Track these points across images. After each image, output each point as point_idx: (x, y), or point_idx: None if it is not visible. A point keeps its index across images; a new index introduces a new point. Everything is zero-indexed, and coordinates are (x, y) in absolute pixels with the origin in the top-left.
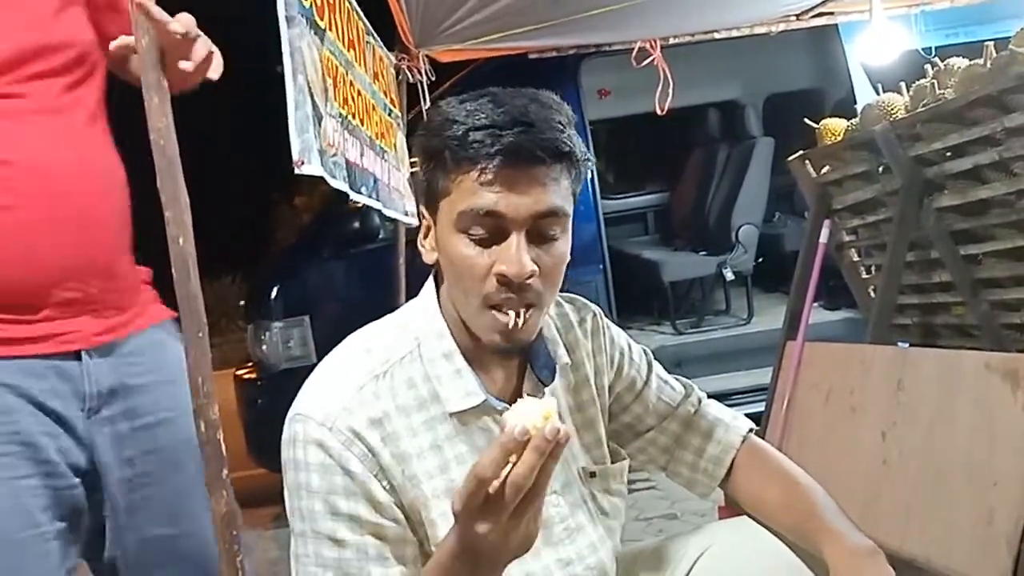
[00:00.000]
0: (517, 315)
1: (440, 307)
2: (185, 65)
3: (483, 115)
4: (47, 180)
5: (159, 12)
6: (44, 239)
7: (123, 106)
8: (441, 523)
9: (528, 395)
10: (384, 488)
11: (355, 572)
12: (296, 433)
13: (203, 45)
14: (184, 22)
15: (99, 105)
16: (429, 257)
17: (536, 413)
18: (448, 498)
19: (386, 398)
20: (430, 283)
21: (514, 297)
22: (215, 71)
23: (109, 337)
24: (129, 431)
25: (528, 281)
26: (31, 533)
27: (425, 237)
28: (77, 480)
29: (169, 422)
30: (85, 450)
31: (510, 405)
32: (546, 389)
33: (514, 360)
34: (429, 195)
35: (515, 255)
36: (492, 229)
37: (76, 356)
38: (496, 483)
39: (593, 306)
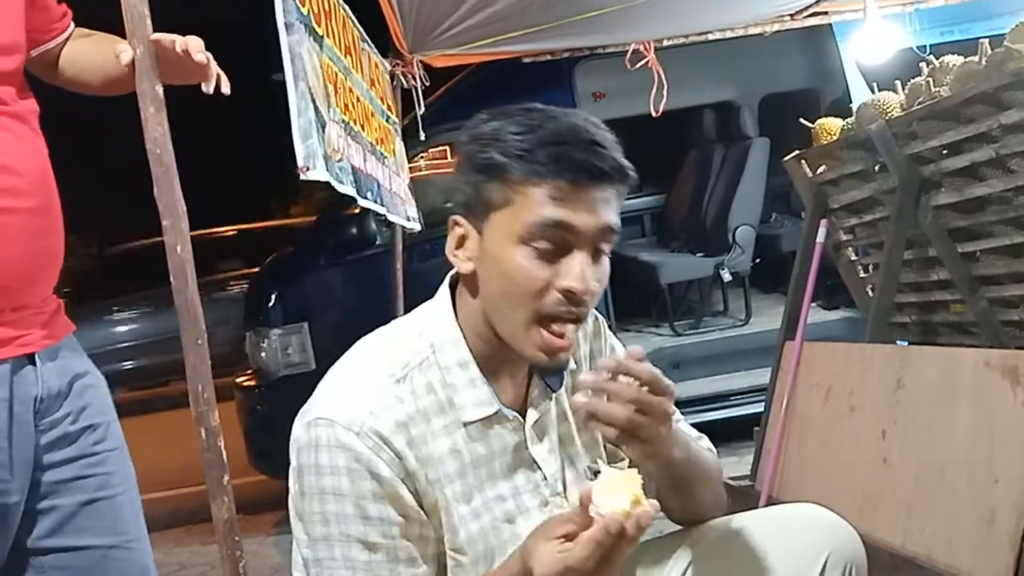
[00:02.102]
0: (563, 335)
1: (456, 315)
2: (206, 88)
3: (549, 130)
4: (22, 187)
5: (168, 40)
6: (21, 245)
7: (119, 113)
8: (461, 527)
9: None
10: (410, 491)
11: (385, 574)
12: (319, 437)
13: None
14: (193, 44)
15: (37, 112)
16: (465, 267)
17: (624, 498)
18: (466, 502)
19: (408, 402)
20: (445, 290)
21: (573, 311)
22: (225, 86)
23: (53, 341)
24: (76, 431)
25: (586, 297)
26: None
27: (459, 247)
28: (21, 497)
29: (110, 424)
30: (35, 454)
31: (519, 414)
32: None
33: (524, 369)
34: (475, 204)
35: (582, 271)
36: (558, 243)
37: (30, 360)
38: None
39: (594, 311)
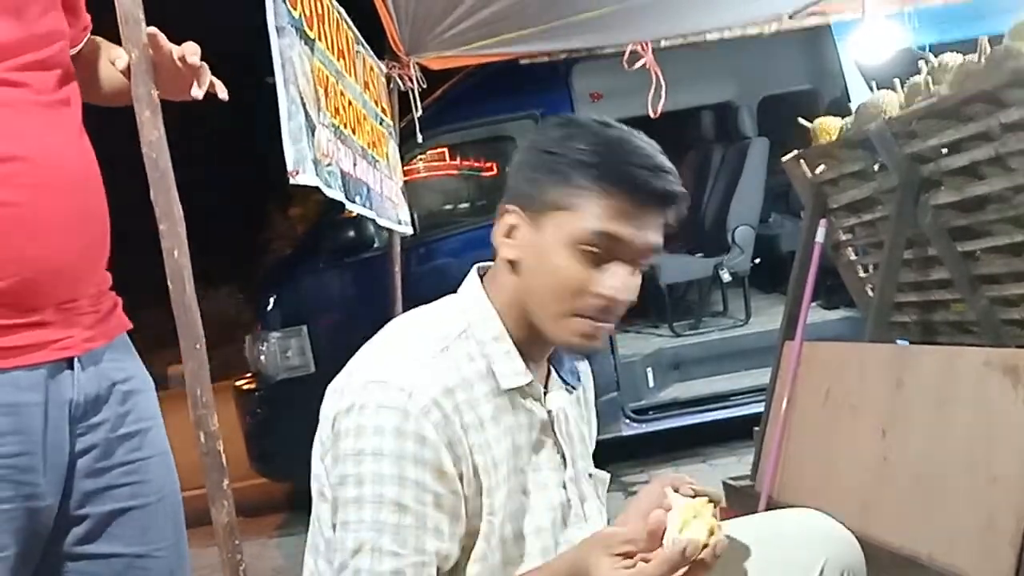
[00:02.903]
0: (604, 324)
1: (488, 297)
2: (196, 92)
3: (627, 148)
4: (57, 178)
5: (165, 41)
6: (56, 239)
7: (116, 117)
8: (496, 492)
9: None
10: (451, 459)
11: (412, 540)
12: (369, 398)
13: (204, 72)
14: (189, 49)
15: (80, 102)
16: (510, 252)
17: (701, 527)
18: (503, 466)
19: (453, 370)
20: (474, 277)
21: (607, 315)
22: (222, 92)
23: (97, 343)
24: (115, 438)
25: (621, 306)
26: (5, 555)
27: (508, 235)
28: (54, 500)
29: (150, 431)
30: (69, 460)
31: (544, 395)
32: (573, 394)
33: (545, 356)
34: (535, 201)
35: (626, 283)
36: (605, 251)
37: (68, 363)
38: None
39: None
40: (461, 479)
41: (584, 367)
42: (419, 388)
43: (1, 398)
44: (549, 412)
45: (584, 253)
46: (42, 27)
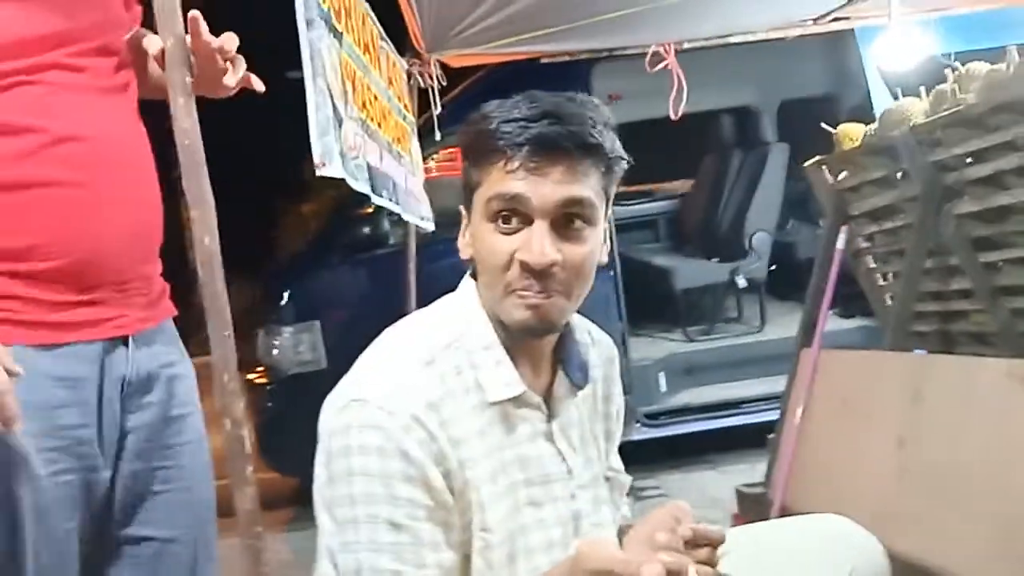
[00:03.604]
0: (538, 294)
1: (480, 301)
2: (229, 80)
3: (516, 110)
4: (115, 160)
5: (205, 30)
6: (112, 219)
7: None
8: (489, 505)
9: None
10: (439, 473)
11: (410, 557)
12: (351, 419)
13: (240, 64)
14: (228, 40)
15: (136, 88)
16: (465, 253)
17: None
18: (492, 483)
19: (438, 383)
20: (468, 280)
21: (536, 284)
22: (258, 85)
23: (150, 324)
24: (161, 420)
25: (552, 270)
26: (69, 527)
27: (463, 236)
28: (109, 473)
29: (191, 416)
30: (119, 437)
31: (545, 401)
32: (580, 393)
33: (546, 358)
34: (466, 191)
35: (537, 242)
36: (518, 216)
37: (123, 340)
38: None
39: (610, 339)
40: (452, 492)
41: (599, 355)
42: (400, 406)
43: (61, 371)
44: (550, 420)
45: (498, 225)
46: (103, 14)
